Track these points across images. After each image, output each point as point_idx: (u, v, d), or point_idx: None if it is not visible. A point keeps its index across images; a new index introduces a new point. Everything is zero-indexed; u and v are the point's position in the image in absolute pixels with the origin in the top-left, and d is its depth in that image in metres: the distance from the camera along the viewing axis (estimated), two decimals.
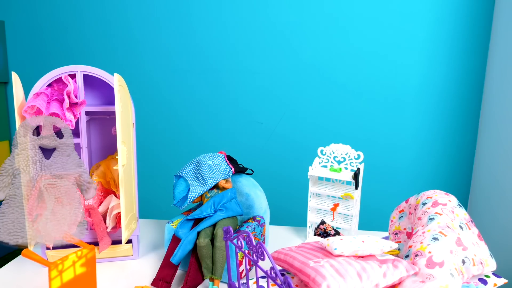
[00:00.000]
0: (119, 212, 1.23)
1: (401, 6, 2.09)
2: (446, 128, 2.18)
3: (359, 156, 1.41)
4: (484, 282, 0.99)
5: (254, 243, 0.81)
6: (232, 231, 0.92)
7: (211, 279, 1.09)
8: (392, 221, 1.23)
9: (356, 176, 1.34)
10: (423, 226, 1.02)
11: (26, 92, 2.52)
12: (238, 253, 1.09)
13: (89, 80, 1.30)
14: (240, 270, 1.14)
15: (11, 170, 0.93)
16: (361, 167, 1.40)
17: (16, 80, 1.05)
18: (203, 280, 1.11)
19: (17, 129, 0.99)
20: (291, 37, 2.25)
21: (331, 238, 0.97)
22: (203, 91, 2.40)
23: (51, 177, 1.16)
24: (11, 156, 0.95)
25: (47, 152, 1.01)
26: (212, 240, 1.13)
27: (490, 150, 1.97)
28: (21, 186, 0.94)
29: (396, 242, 1.14)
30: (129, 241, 1.29)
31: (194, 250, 1.13)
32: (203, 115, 2.43)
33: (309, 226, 1.47)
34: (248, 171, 1.41)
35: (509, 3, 1.84)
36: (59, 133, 1.03)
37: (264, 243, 1.30)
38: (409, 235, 1.12)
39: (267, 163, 2.40)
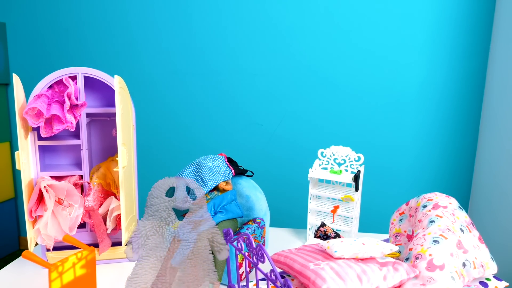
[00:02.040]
0: (119, 214, 1.23)
1: (401, 7, 2.09)
2: (446, 130, 2.18)
3: (359, 158, 1.41)
4: (485, 285, 0.99)
5: (254, 245, 0.80)
6: (232, 233, 0.92)
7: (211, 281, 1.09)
8: (392, 223, 1.22)
9: (356, 178, 1.34)
10: (423, 228, 1.02)
11: (27, 93, 2.53)
12: (238, 255, 1.09)
13: (89, 82, 1.30)
14: (240, 272, 1.14)
15: (144, 232, 0.94)
16: (362, 169, 1.40)
17: (17, 82, 1.06)
18: None
19: (149, 194, 0.98)
20: (291, 38, 2.25)
21: (331, 241, 0.97)
22: (203, 93, 2.41)
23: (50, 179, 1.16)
24: (144, 218, 0.96)
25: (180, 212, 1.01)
26: None
27: (491, 152, 1.97)
28: (154, 247, 0.94)
29: (396, 245, 1.14)
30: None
31: None
32: (203, 117, 2.43)
33: (309, 228, 1.47)
34: (248, 173, 1.41)
35: (510, 4, 1.85)
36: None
37: (264, 245, 1.30)
38: (410, 237, 1.11)
39: (267, 165, 2.40)
